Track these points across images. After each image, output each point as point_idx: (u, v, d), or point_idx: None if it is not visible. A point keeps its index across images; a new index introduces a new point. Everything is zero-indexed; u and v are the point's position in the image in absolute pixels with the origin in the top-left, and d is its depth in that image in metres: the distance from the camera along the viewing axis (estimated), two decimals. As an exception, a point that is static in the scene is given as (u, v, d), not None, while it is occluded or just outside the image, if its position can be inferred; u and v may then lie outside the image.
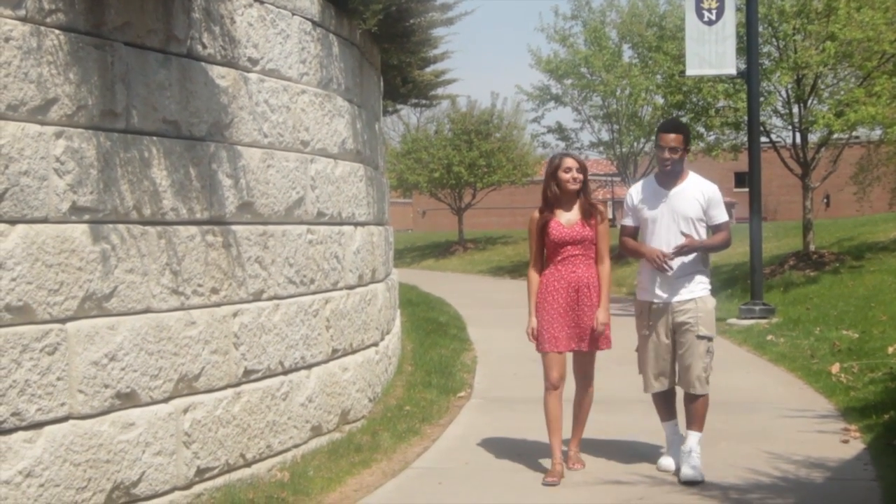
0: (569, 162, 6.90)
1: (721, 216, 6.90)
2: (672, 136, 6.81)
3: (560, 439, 6.82)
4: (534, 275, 6.97)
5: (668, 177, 6.87)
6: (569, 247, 6.80)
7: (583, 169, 6.88)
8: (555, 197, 6.89)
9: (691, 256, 6.79)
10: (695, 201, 6.81)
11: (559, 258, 6.84)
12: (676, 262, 6.77)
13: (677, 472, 6.74)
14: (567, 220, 6.84)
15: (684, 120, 23.04)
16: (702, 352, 6.73)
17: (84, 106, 5.34)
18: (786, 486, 6.48)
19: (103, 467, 5.40)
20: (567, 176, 6.83)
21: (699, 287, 6.83)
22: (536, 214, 6.97)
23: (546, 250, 6.94)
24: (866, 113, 17.34)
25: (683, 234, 6.76)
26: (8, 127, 4.90)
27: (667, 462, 6.90)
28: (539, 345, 6.88)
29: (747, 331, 14.25)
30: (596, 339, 6.84)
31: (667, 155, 6.79)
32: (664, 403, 7.05)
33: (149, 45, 5.84)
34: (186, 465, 6.02)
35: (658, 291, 6.83)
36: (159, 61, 5.92)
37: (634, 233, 7.04)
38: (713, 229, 6.91)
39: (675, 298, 6.78)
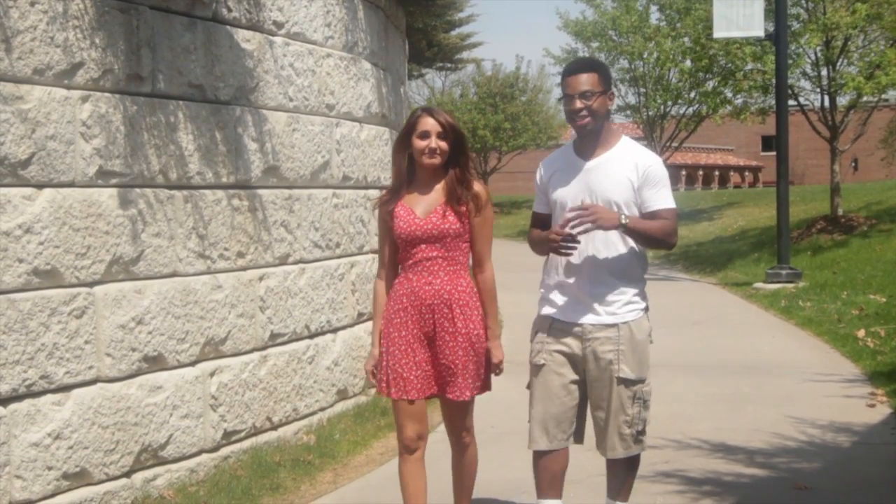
0: (427, 123, 4.52)
1: (661, 200, 4.51)
2: (583, 76, 4.46)
3: None
4: (380, 285, 4.78)
5: (586, 141, 4.58)
6: (422, 246, 4.57)
7: (451, 132, 4.55)
8: (407, 173, 4.68)
9: (616, 254, 4.52)
10: (623, 178, 4.50)
11: (410, 262, 4.62)
12: (589, 249, 4.51)
13: None
14: (423, 207, 4.59)
15: (711, 83, 22.76)
16: (624, 400, 4.52)
17: (110, 70, 5.34)
18: (812, 450, 6.47)
19: (131, 430, 5.45)
20: (422, 144, 4.51)
21: (627, 307, 4.54)
22: (386, 197, 4.74)
23: (398, 251, 4.71)
24: (897, 76, 17.17)
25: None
26: (34, 91, 4.91)
27: None
28: (384, 388, 4.67)
29: (774, 295, 14.20)
30: (466, 384, 4.61)
31: (577, 104, 4.44)
32: (547, 471, 4.66)
33: (174, 8, 5.83)
34: (213, 428, 6.07)
35: (564, 306, 4.60)
36: (184, 25, 5.91)
37: (547, 222, 4.72)
38: (648, 217, 4.51)
39: (590, 320, 4.54)
